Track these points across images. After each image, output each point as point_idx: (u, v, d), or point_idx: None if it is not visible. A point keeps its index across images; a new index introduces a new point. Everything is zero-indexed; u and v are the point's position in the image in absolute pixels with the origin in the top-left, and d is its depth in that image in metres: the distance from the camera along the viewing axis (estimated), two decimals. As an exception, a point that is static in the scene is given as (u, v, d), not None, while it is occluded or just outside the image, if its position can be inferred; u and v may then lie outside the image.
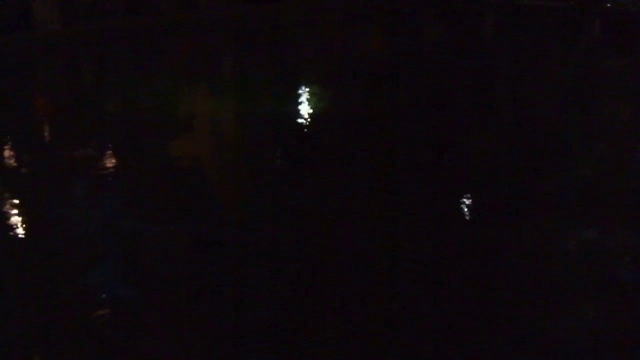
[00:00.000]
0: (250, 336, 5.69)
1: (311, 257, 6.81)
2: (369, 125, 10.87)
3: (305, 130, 10.81)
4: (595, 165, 9.04)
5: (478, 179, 8.73)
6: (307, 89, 13.29)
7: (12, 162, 9.89)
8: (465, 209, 7.92)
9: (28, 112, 12.42)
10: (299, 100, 12.33)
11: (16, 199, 8.44)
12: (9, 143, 10.50)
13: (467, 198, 8.19)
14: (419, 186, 8.44)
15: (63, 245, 7.26)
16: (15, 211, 8.08)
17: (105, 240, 7.32)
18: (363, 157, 9.45)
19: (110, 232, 7.50)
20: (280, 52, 17.07)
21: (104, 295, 6.30)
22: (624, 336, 5.59)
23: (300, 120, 11.17)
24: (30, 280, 6.56)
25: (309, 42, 18.27)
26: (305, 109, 11.79)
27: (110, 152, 10.16)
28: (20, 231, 7.61)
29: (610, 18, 18.86)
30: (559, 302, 6.08)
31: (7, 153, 10.15)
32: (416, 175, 8.85)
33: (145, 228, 7.37)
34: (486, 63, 15.14)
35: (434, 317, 5.84)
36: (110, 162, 9.76)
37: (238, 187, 8.89)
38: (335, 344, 5.56)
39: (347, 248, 6.97)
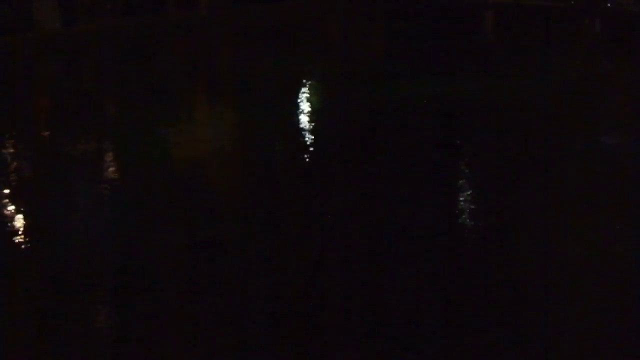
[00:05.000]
0: (250, 336, 5.69)
1: (311, 257, 6.81)
2: (369, 126, 10.88)
3: (306, 130, 10.80)
4: (595, 165, 9.03)
5: (478, 180, 8.72)
6: (308, 89, 13.28)
7: (12, 161, 9.88)
8: (466, 211, 7.91)
9: (28, 112, 12.41)
10: (299, 100, 12.33)
11: (16, 198, 8.43)
12: (9, 143, 10.49)
13: (468, 199, 8.18)
14: (420, 186, 8.44)
15: (63, 246, 7.25)
16: (15, 211, 8.07)
17: (106, 240, 7.30)
18: (363, 157, 9.45)
19: (110, 232, 7.49)
20: (280, 52, 17.06)
21: (103, 295, 6.31)
22: (626, 337, 5.59)
23: (300, 120, 11.17)
24: (30, 280, 6.56)
25: (309, 42, 18.26)
26: (305, 109, 11.78)
27: (110, 152, 10.16)
28: (19, 231, 7.60)
29: (610, 18, 18.85)
30: (560, 302, 6.08)
31: (7, 153, 10.14)
32: (416, 174, 8.84)
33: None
34: (486, 63, 15.13)
35: (434, 319, 5.83)
36: (110, 162, 9.75)
37: (238, 187, 8.89)
38: (335, 345, 5.56)
39: (347, 248, 6.96)
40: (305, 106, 11.95)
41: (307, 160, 9.42)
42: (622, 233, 7.19)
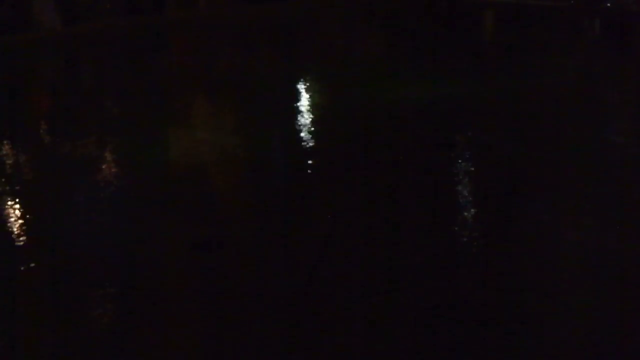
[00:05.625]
0: (249, 336, 5.69)
1: (311, 257, 6.81)
2: (369, 125, 10.89)
3: (306, 130, 10.81)
4: (596, 165, 9.04)
5: (479, 180, 8.73)
6: (307, 89, 13.29)
7: (12, 162, 9.89)
8: (467, 210, 7.92)
9: (28, 112, 12.42)
10: (299, 100, 12.34)
11: (16, 199, 8.44)
12: (9, 143, 10.50)
13: (470, 199, 8.20)
14: (420, 186, 8.44)
15: (63, 246, 7.26)
16: (14, 211, 8.08)
17: (105, 240, 7.31)
18: (363, 157, 9.45)
19: (110, 232, 7.50)
20: (280, 51, 17.08)
21: (103, 296, 6.31)
22: (625, 336, 5.59)
23: (299, 120, 11.17)
24: (28, 281, 6.57)
25: (309, 42, 18.28)
26: (305, 109, 11.79)
27: (110, 152, 10.16)
28: (17, 232, 7.61)
29: (610, 18, 18.86)
30: (561, 302, 6.08)
31: (7, 153, 10.16)
32: (416, 174, 8.85)
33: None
34: (486, 63, 15.16)
35: (435, 319, 5.84)
36: (110, 162, 9.76)
37: (238, 187, 8.90)
38: (335, 346, 5.56)
39: (347, 249, 6.97)
40: (304, 106, 11.96)
41: (307, 159, 9.43)
42: (624, 232, 7.20)
